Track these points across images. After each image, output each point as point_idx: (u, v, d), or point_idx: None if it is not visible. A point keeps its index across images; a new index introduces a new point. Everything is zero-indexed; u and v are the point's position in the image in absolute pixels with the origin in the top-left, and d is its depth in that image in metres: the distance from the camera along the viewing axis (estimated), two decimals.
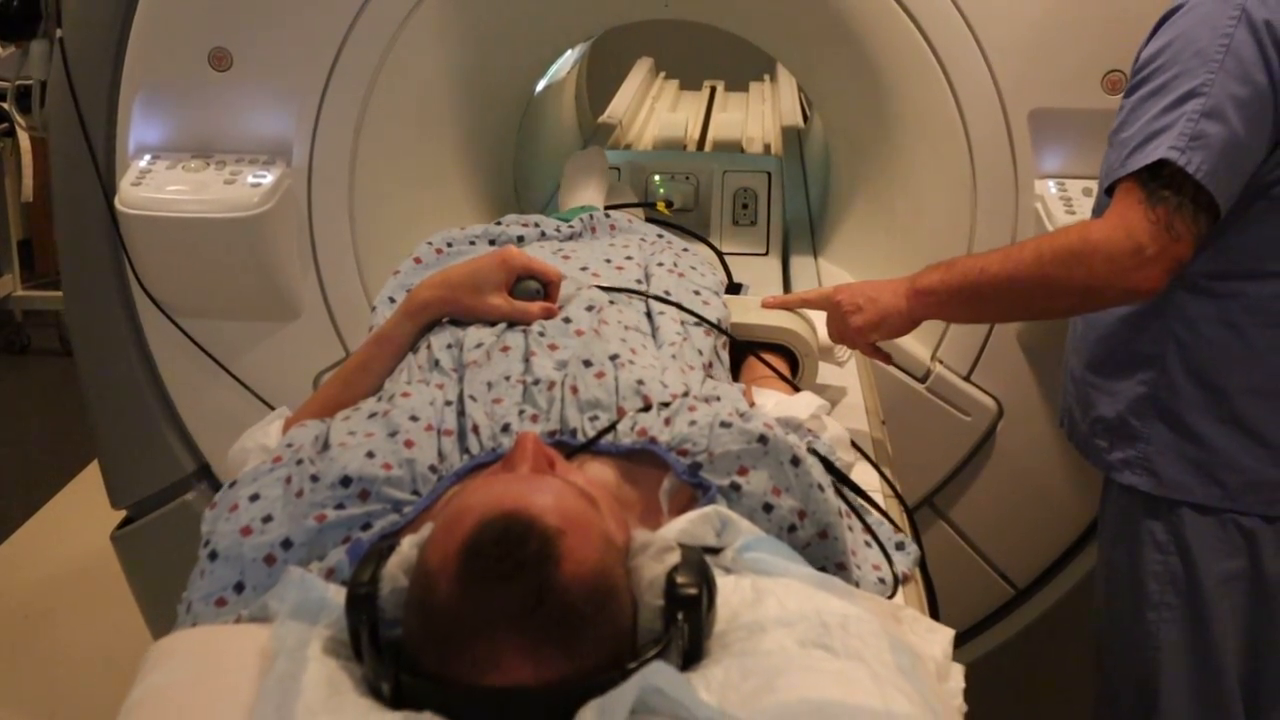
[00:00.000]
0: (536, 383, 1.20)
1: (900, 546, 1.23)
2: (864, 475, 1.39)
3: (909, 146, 2.04)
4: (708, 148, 3.34)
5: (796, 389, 1.52)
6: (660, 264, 1.54)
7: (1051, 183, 1.93)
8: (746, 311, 1.63)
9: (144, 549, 2.19)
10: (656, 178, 2.51)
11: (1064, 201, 1.89)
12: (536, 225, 1.67)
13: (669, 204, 2.40)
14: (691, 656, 0.86)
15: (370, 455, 1.10)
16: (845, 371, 1.75)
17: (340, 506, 1.07)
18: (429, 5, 1.97)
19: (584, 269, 1.50)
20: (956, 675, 0.99)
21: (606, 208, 2.04)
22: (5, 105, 3.31)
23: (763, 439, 1.10)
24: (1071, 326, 1.68)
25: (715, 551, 0.99)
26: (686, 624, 0.85)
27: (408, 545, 0.89)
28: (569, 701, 0.78)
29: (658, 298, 1.43)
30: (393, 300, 1.49)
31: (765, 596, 0.91)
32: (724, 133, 3.46)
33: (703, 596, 0.86)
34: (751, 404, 1.30)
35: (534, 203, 2.59)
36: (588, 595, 0.82)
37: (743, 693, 0.80)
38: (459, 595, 0.81)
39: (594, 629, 0.82)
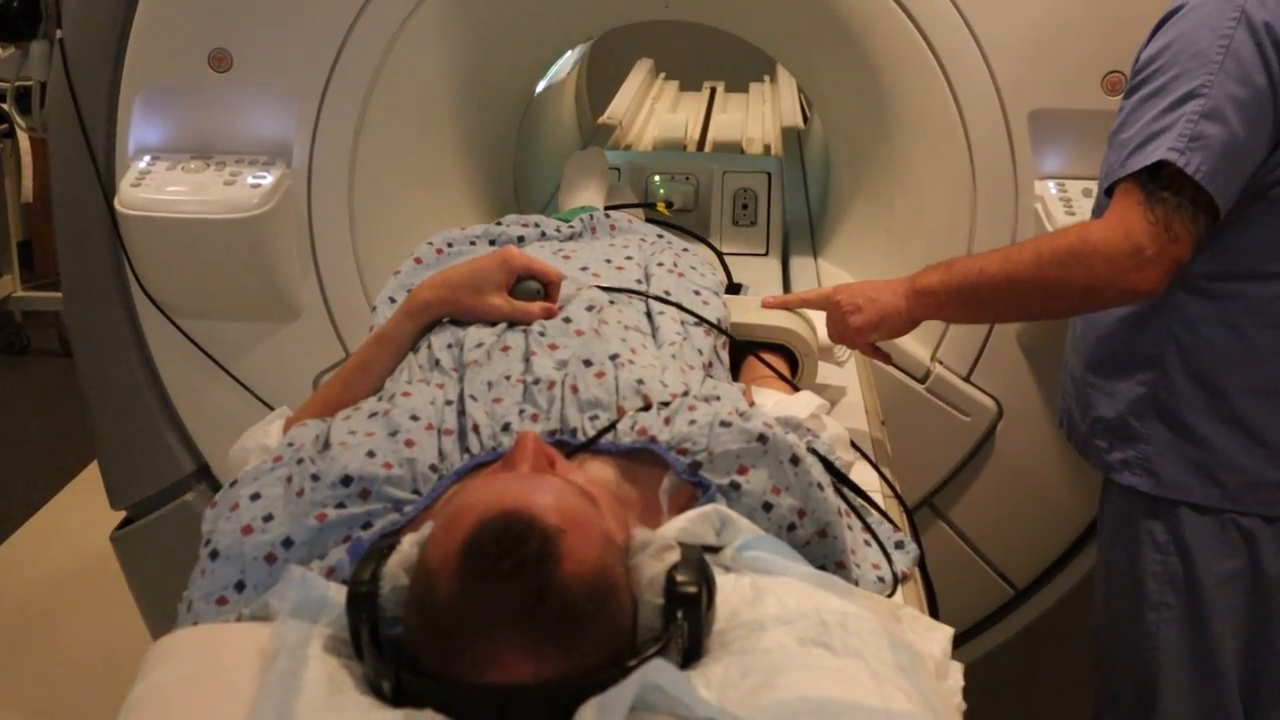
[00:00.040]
0: (537, 382, 1.20)
1: (899, 545, 1.23)
2: (863, 475, 1.39)
3: (909, 147, 2.04)
4: (708, 148, 3.34)
5: (796, 389, 1.52)
6: (660, 264, 1.55)
7: (1051, 183, 1.93)
8: (746, 311, 1.63)
9: (144, 549, 2.18)
10: (656, 178, 2.51)
11: (1064, 202, 1.89)
12: (537, 225, 1.68)
13: (669, 204, 2.40)
14: (691, 654, 0.86)
15: (371, 454, 1.10)
16: (845, 371, 1.75)
17: (341, 505, 1.07)
18: (429, 6, 1.97)
19: (584, 269, 1.51)
20: (955, 674, 0.99)
21: (606, 208, 2.04)
22: (5, 106, 3.31)
23: (762, 438, 1.10)
24: (1071, 327, 1.68)
25: (715, 550, 0.99)
26: (686, 622, 0.85)
27: (408, 544, 0.89)
28: (569, 699, 0.78)
29: (658, 298, 1.44)
30: (393, 300, 1.49)
31: (765, 595, 0.91)
32: (724, 133, 3.46)
33: (702, 595, 0.86)
34: (751, 403, 1.30)
35: (534, 203, 2.59)
36: (588, 594, 0.82)
37: (742, 690, 0.81)
38: (459, 594, 0.81)
39: (594, 627, 0.82)
